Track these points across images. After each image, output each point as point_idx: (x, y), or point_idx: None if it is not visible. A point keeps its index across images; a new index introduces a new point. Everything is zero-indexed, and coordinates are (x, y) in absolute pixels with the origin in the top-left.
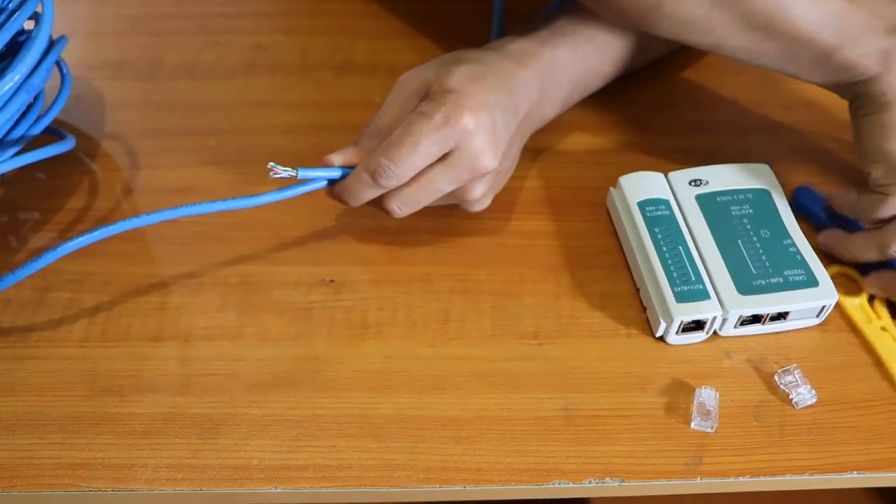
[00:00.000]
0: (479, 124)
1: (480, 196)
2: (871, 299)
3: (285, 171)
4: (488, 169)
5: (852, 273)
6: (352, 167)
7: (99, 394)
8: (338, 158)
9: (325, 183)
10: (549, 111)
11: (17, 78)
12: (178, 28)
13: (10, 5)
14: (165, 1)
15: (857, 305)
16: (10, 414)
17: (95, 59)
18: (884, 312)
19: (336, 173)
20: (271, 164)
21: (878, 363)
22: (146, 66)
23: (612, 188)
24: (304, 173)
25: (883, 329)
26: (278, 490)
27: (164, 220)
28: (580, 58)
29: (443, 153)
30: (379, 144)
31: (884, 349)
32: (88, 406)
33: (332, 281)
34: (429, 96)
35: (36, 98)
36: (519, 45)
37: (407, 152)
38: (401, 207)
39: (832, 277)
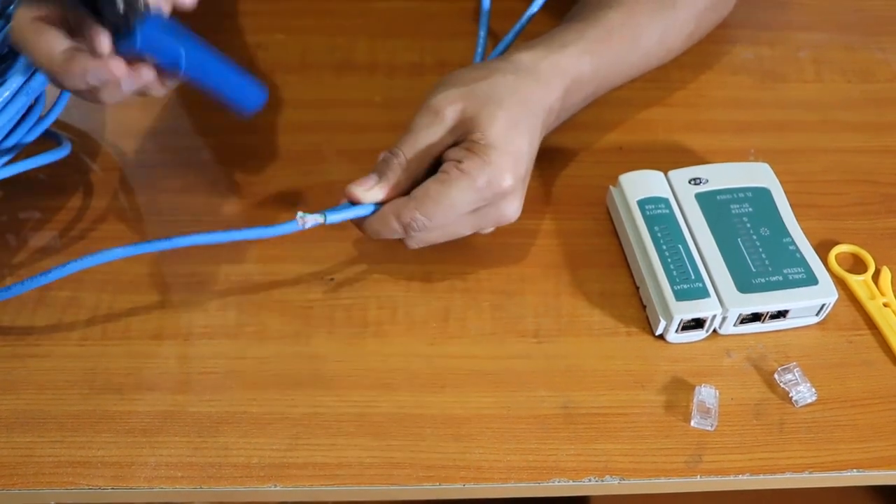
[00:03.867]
0: (515, 182)
1: (490, 232)
2: (875, 276)
3: (314, 219)
4: (512, 220)
5: (859, 251)
6: (377, 203)
7: (99, 392)
8: (364, 194)
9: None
10: (561, 121)
11: (14, 86)
12: None
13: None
14: None
15: (860, 282)
16: (10, 412)
17: None
18: (887, 289)
19: (365, 211)
20: (300, 213)
21: (883, 345)
22: None
23: (611, 187)
24: (332, 217)
25: (885, 305)
26: (278, 488)
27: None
28: (602, 68)
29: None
30: (407, 178)
31: (886, 325)
32: (88, 404)
33: (332, 279)
34: (468, 145)
35: (36, 100)
36: (548, 63)
37: (444, 212)
38: (418, 245)
39: (839, 253)
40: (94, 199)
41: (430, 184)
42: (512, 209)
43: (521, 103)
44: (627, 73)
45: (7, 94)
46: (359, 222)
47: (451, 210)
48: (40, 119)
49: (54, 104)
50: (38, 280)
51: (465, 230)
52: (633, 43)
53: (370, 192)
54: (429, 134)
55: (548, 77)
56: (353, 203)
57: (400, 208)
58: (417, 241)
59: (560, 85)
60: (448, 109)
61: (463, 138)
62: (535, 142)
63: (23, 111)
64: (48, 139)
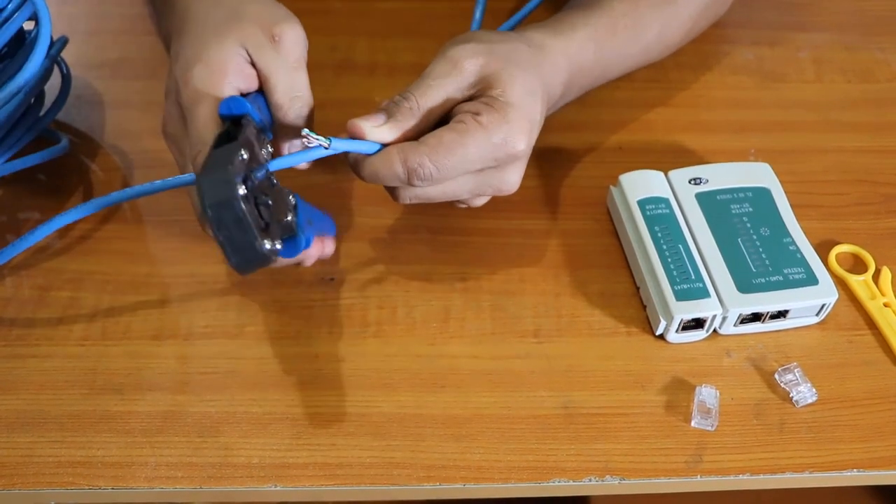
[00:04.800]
0: (527, 148)
1: (483, 203)
2: (875, 276)
3: (318, 140)
4: (512, 191)
5: (859, 251)
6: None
7: (99, 392)
8: (371, 130)
9: (331, 151)
10: (557, 108)
11: (15, 90)
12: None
13: (9, 6)
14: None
15: (861, 282)
16: (11, 412)
17: (94, 58)
18: (888, 289)
19: (371, 149)
20: (305, 130)
21: (883, 345)
22: (146, 66)
23: (612, 187)
24: (336, 144)
25: (886, 305)
26: (278, 488)
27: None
28: (604, 58)
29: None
30: (415, 125)
31: (886, 325)
32: (88, 404)
33: (333, 279)
34: (488, 100)
35: (35, 99)
36: (557, 44)
37: (455, 163)
38: (412, 201)
39: (839, 253)
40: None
41: (444, 132)
42: (515, 178)
43: (536, 74)
44: (626, 66)
45: (6, 95)
46: (356, 162)
47: (461, 162)
48: (39, 118)
49: (53, 103)
50: (26, 240)
51: (464, 192)
52: (634, 35)
53: (378, 129)
54: (445, 84)
55: (556, 58)
56: (355, 138)
57: (408, 152)
58: (413, 195)
59: (566, 68)
60: (468, 62)
61: (480, 94)
62: (543, 115)
63: (22, 109)
64: (46, 138)
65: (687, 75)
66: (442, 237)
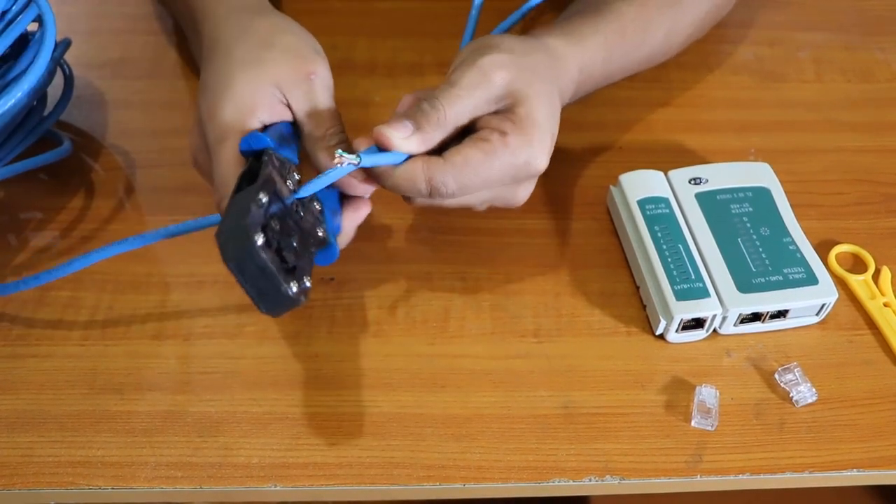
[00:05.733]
0: (545, 167)
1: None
2: (875, 276)
3: (349, 158)
4: (520, 205)
5: (859, 251)
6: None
7: (99, 392)
8: (400, 142)
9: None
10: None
11: (19, 95)
12: (177, 28)
13: (13, 7)
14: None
15: (861, 281)
16: (11, 412)
17: (95, 58)
18: (887, 289)
19: (397, 159)
20: (339, 151)
21: (883, 345)
22: (146, 66)
23: (612, 186)
24: (366, 160)
25: (886, 305)
26: (278, 488)
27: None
28: (611, 64)
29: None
30: (441, 135)
31: (886, 325)
32: (88, 404)
33: (333, 279)
34: (514, 118)
35: (38, 101)
36: (569, 52)
37: (478, 182)
38: (425, 206)
39: (839, 253)
40: (95, 199)
41: (470, 150)
42: (526, 193)
43: (555, 88)
44: (630, 70)
45: (11, 102)
46: (380, 173)
47: (484, 182)
48: (42, 119)
49: (56, 105)
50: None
51: (477, 203)
52: (642, 39)
53: (406, 141)
54: (474, 95)
55: (569, 67)
56: (382, 148)
57: (434, 171)
58: (429, 203)
59: (576, 76)
60: (498, 75)
61: (506, 109)
62: (558, 120)
63: (25, 111)
64: (48, 138)
65: (687, 75)
66: (442, 237)
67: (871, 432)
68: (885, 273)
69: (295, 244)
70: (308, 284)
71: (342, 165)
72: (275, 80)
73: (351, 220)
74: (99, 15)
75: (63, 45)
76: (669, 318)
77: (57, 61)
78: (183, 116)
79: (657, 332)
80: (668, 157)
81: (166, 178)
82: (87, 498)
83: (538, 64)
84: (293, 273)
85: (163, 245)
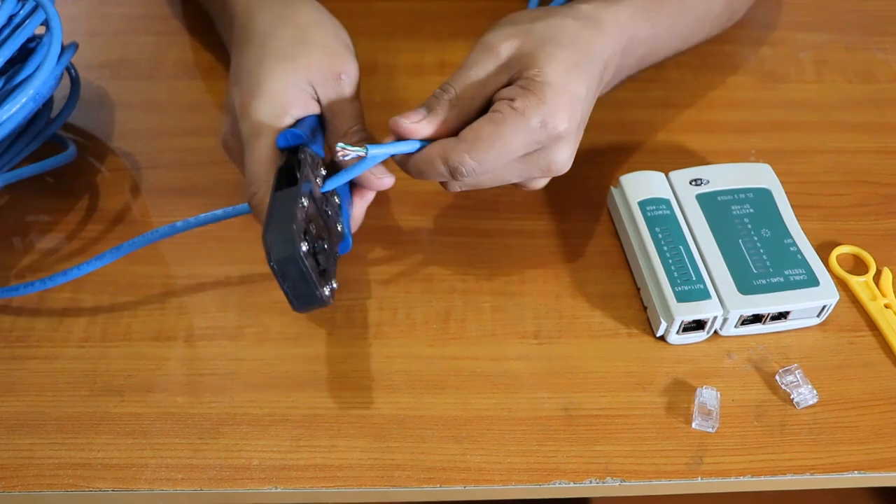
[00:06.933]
0: (570, 126)
1: (541, 185)
2: (876, 277)
3: (355, 150)
4: (563, 171)
5: (860, 252)
6: (425, 140)
7: (99, 394)
8: (410, 126)
9: (372, 159)
10: (615, 83)
11: (24, 100)
12: (178, 28)
13: (21, 12)
14: (165, 1)
15: (862, 283)
16: (11, 414)
17: (95, 59)
18: (888, 290)
19: (410, 148)
20: (340, 144)
21: (884, 346)
22: (146, 66)
23: (612, 187)
24: (374, 151)
25: (887, 306)
26: (278, 490)
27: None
28: (655, 30)
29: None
30: (456, 116)
31: (887, 326)
32: (89, 406)
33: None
34: (523, 83)
35: (45, 104)
36: (609, 14)
37: (496, 155)
38: (462, 189)
39: (840, 254)
40: (95, 200)
41: (481, 124)
42: (563, 157)
43: (581, 49)
44: (673, 42)
45: (16, 108)
46: (402, 161)
47: (503, 153)
48: (49, 123)
49: (62, 109)
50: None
51: (514, 177)
52: (681, 8)
53: (417, 125)
54: (481, 69)
55: (608, 27)
56: (398, 136)
57: (448, 151)
58: (463, 184)
59: (620, 38)
60: (503, 45)
61: (518, 76)
62: (592, 90)
63: (29, 116)
64: (53, 140)
65: (687, 75)
66: (442, 238)
67: (871, 434)
68: (886, 274)
69: (326, 246)
70: (335, 285)
71: (346, 157)
72: (308, 77)
73: (360, 205)
74: (98, 16)
75: (71, 50)
76: (670, 320)
77: (64, 66)
78: (182, 117)
79: (658, 334)
80: (668, 158)
81: (166, 178)
82: (87, 500)
83: (555, 29)
84: (325, 275)
85: (163, 246)
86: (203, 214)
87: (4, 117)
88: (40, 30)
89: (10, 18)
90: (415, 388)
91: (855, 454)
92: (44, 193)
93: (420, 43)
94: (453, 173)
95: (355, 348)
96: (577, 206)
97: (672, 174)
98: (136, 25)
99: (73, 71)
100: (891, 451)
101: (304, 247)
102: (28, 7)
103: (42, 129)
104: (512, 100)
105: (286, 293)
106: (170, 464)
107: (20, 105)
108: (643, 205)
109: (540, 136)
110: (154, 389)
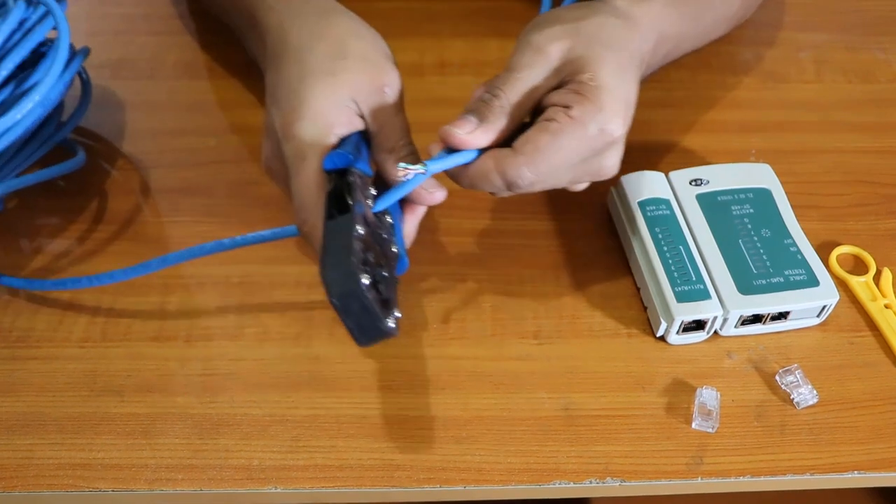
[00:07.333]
0: (624, 131)
1: (584, 188)
2: (876, 278)
3: (415, 169)
4: (611, 175)
5: (860, 252)
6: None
7: (99, 394)
8: (465, 138)
9: (429, 174)
10: (643, 78)
11: (30, 105)
12: (178, 28)
13: (31, 17)
14: (165, 1)
15: (861, 283)
16: (11, 414)
17: (95, 58)
18: (888, 290)
19: (465, 159)
20: (402, 164)
21: (884, 346)
22: (146, 66)
23: (612, 188)
24: (433, 166)
25: (887, 306)
26: (278, 490)
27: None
28: (681, 26)
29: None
30: (509, 123)
31: (887, 326)
32: (88, 406)
33: None
34: (577, 87)
35: (54, 109)
36: (641, 11)
37: (553, 165)
38: (510, 195)
39: (840, 254)
40: (95, 200)
41: (538, 134)
42: (613, 162)
43: (624, 48)
44: (694, 41)
45: (20, 115)
46: (455, 173)
47: (561, 164)
48: (59, 127)
49: (73, 113)
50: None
51: (563, 183)
52: (703, 7)
53: (472, 136)
54: (532, 74)
55: (642, 24)
56: (451, 147)
57: (505, 164)
58: (515, 193)
59: (653, 35)
60: (553, 47)
61: (569, 80)
62: (637, 90)
63: (38, 121)
64: (61, 145)
65: (687, 75)
66: (442, 238)
67: (871, 434)
68: (886, 274)
69: (385, 273)
70: (399, 314)
71: (407, 178)
72: (350, 93)
73: (412, 221)
74: (98, 16)
75: (81, 55)
76: (670, 320)
77: (74, 71)
78: (183, 117)
79: (658, 334)
80: (668, 158)
81: (166, 178)
82: (87, 500)
83: (599, 28)
84: (387, 305)
85: (163, 246)
86: (251, 234)
87: (11, 123)
88: (53, 34)
89: (21, 23)
90: (415, 388)
91: (855, 454)
92: (51, 195)
93: (420, 43)
94: (510, 186)
95: (355, 348)
96: (577, 207)
97: (672, 174)
98: (137, 25)
99: (84, 75)
100: (891, 451)
101: (366, 280)
102: (39, 12)
103: (52, 133)
104: (568, 107)
105: (349, 329)
106: (170, 464)
107: (27, 111)
108: (643, 205)
109: (596, 144)
110: (154, 389)
